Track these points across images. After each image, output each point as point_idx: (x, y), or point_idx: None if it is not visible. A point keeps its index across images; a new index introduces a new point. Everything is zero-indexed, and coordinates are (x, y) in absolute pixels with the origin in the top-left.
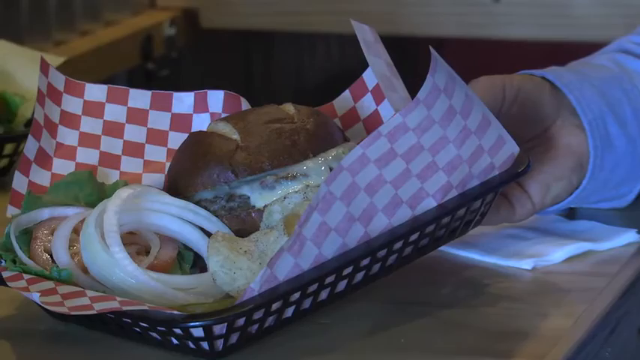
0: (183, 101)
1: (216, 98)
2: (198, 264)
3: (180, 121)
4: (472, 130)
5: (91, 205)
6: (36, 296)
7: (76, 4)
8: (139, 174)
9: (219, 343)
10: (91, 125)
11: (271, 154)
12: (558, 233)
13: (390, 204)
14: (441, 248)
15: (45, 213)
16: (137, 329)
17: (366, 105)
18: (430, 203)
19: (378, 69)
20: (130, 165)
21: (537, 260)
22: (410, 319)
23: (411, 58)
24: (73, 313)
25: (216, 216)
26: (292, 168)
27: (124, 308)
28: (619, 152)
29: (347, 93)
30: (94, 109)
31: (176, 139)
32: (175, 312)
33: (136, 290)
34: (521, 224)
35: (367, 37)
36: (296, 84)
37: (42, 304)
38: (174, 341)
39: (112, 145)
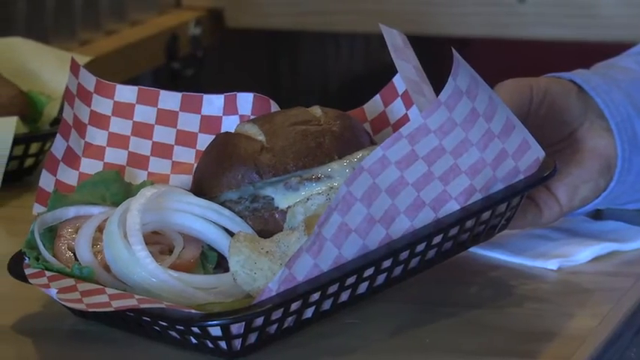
0: (213, 103)
1: (245, 100)
2: (222, 264)
3: (209, 123)
4: (496, 133)
5: (118, 204)
6: (53, 292)
7: (102, 4)
8: (166, 175)
9: (237, 343)
10: (120, 126)
11: (296, 156)
12: (584, 233)
13: (412, 206)
14: (469, 249)
15: (70, 211)
16: (157, 328)
17: (396, 109)
18: (453, 206)
19: (407, 73)
20: (158, 166)
21: (563, 261)
22: (434, 320)
23: (435, 58)
24: (90, 310)
25: (240, 217)
26: (317, 170)
27: (142, 306)
28: None
29: (377, 97)
30: (124, 110)
31: (205, 141)
32: (193, 311)
33: (156, 289)
34: (545, 225)
35: (396, 42)
36: (321, 83)
37: (59, 301)
38: (193, 340)
39: (140, 145)
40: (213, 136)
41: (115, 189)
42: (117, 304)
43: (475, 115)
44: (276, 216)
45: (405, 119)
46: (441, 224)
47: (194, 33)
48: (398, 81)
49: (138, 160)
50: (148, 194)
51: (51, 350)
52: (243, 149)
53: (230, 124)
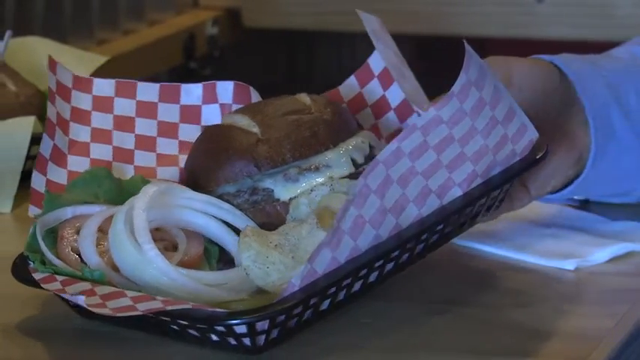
0: (191, 93)
1: (225, 89)
2: (222, 258)
3: (189, 113)
4: (499, 120)
5: (111, 201)
6: (81, 299)
7: (120, 4)
8: (153, 168)
9: (261, 339)
10: (101, 120)
11: (292, 146)
12: (601, 234)
13: (420, 194)
14: (483, 248)
15: (68, 212)
16: (174, 327)
17: (373, 90)
18: (456, 192)
19: (387, 57)
20: (144, 159)
21: (580, 261)
22: (449, 319)
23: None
24: (118, 314)
25: (240, 209)
26: (314, 159)
27: (168, 308)
28: (623, 144)
29: (353, 79)
30: (103, 104)
31: (187, 131)
32: (218, 310)
33: (169, 288)
34: (563, 224)
35: (375, 27)
36: (337, 83)
37: (88, 307)
38: (214, 338)
39: (124, 139)
40: (195, 126)
41: (106, 186)
42: (143, 307)
43: (482, 103)
44: (278, 208)
45: (382, 100)
46: (446, 211)
47: (211, 32)
48: (373, 62)
49: (123, 155)
50: (151, 192)
51: (58, 350)
52: (239, 142)
53: (210, 112)
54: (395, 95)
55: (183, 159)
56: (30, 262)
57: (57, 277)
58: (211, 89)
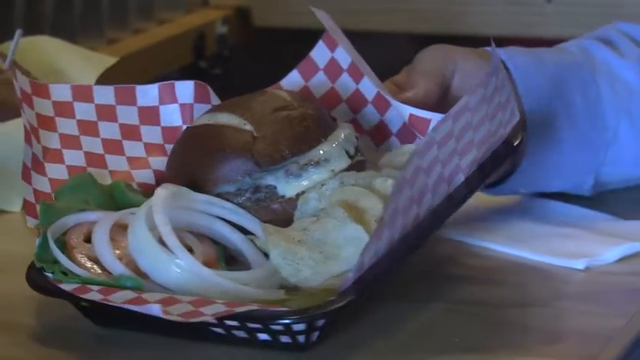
0: (147, 93)
1: (185, 88)
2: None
3: (147, 114)
4: (502, 104)
5: (101, 207)
6: (156, 309)
7: (129, 3)
8: (127, 172)
9: (314, 335)
10: (66, 126)
11: (289, 142)
12: (610, 233)
13: (436, 182)
14: (493, 247)
15: (71, 220)
16: (218, 329)
17: (345, 85)
18: (460, 178)
19: (352, 52)
20: (116, 163)
21: (590, 260)
22: (461, 319)
23: None
24: (191, 320)
25: (242, 208)
26: (311, 154)
27: (237, 310)
28: (564, 139)
29: (295, 73)
30: (64, 110)
31: (149, 133)
32: (281, 308)
33: (206, 291)
34: (573, 224)
35: (330, 24)
36: None
37: (164, 316)
38: (262, 337)
39: (92, 144)
40: (155, 127)
41: (94, 192)
42: (211, 311)
43: (495, 90)
44: (284, 205)
45: (357, 94)
46: (453, 200)
47: (221, 32)
48: (317, 56)
49: (95, 160)
50: (163, 195)
51: (78, 356)
52: (234, 140)
53: (169, 113)
54: (368, 88)
55: (153, 161)
56: (48, 273)
57: (91, 287)
58: (169, 89)
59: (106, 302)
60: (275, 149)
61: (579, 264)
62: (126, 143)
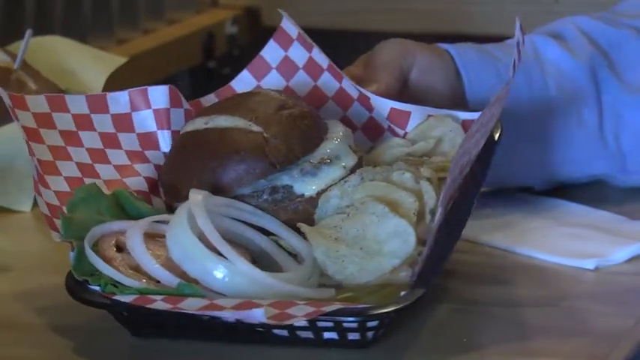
0: (118, 101)
1: (159, 93)
2: None
3: (121, 122)
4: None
5: (115, 217)
6: (259, 313)
7: (139, 3)
8: (119, 180)
9: (380, 332)
10: (50, 137)
11: (298, 141)
12: (620, 233)
13: (457, 173)
14: (504, 247)
15: (98, 232)
16: (280, 332)
17: (328, 83)
18: (466, 169)
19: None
20: (106, 172)
21: (600, 260)
22: (471, 319)
23: None
24: (284, 322)
25: (260, 209)
26: (319, 152)
27: (327, 309)
28: (511, 137)
29: (246, 73)
30: (44, 121)
31: (126, 141)
32: (361, 305)
33: (260, 294)
34: (583, 224)
35: (298, 29)
36: None
37: (268, 321)
38: (327, 336)
39: (79, 154)
40: (130, 134)
41: (104, 202)
42: (300, 312)
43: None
44: (304, 204)
45: (341, 92)
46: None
47: (231, 32)
48: (267, 54)
49: (88, 170)
50: (200, 200)
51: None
52: (246, 142)
53: (142, 120)
54: (350, 87)
55: (140, 168)
56: (94, 286)
57: (154, 297)
58: (140, 95)
59: (177, 311)
60: (288, 149)
61: (589, 264)
62: (109, 152)
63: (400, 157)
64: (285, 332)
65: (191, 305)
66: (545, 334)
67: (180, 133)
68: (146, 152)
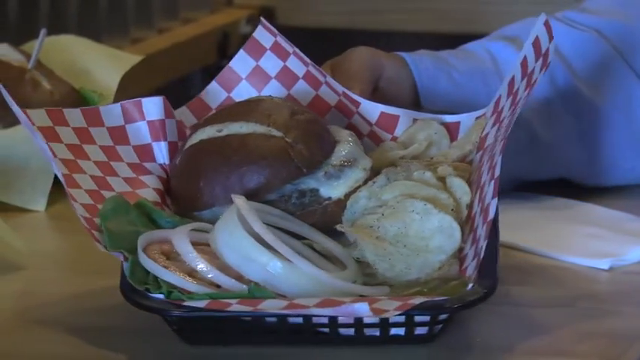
0: (112, 113)
1: (154, 105)
2: None
3: (116, 134)
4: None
5: (146, 226)
6: (365, 308)
7: (154, 2)
8: (132, 192)
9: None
10: (60, 151)
11: (318, 145)
12: (634, 233)
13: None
14: (519, 247)
15: (144, 241)
16: (346, 331)
17: (327, 93)
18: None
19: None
20: (118, 185)
21: (614, 260)
22: (485, 318)
23: None
24: (383, 316)
25: (289, 214)
26: (337, 155)
27: (417, 302)
28: None
29: (215, 84)
30: (50, 135)
31: (125, 153)
32: (441, 298)
33: (324, 293)
34: (597, 224)
35: (263, 36)
36: None
37: (377, 315)
38: (393, 332)
39: (90, 167)
40: (126, 147)
41: (133, 213)
42: (390, 307)
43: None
44: (332, 206)
45: (342, 102)
46: None
47: (245, 31)
48: (236, 65)
49: (102, 183)
50: (247, 205)
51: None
52: (271, 147)
53: (135, 131)
54: (328, 94)
55: (146, 180)
56: (156, 294)
57: (229, 301)
58: (134, 107)
59: (258, 313)
60: (311, 152)
61: (603, 264)
62: (114, 165)
63: (395, 160)
64: (351, 331)
65: (272, 306)
66: (560, 334)
67: (190, 143)
68: (145, 164)
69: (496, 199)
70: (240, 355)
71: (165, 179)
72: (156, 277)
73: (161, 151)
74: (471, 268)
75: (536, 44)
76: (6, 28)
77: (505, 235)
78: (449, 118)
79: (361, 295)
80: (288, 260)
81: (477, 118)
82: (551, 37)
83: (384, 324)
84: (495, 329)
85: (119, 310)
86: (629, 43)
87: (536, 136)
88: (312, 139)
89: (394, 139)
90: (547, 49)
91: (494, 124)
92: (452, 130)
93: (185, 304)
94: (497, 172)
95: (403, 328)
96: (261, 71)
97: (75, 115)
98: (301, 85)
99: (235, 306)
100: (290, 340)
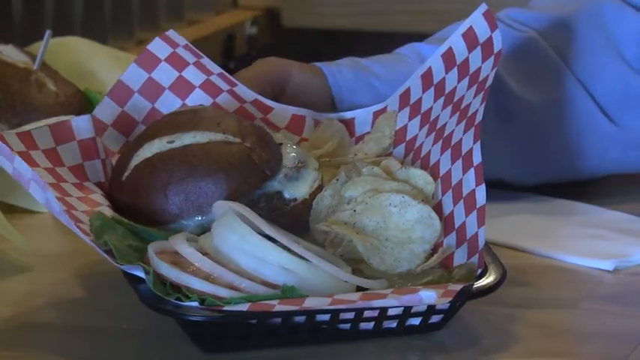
0: (42, 135)
1: (82, 124)
2: None
3: (51, 156)
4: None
5: (135, 241)
6: (431, 296)
7: (159, 4)
8: (92, 210)
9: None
10: (43, 174)
11: (272, 148)
12: (638, 234)
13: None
14: (522, 248)
15: (152, 252)
16: (365, 324)
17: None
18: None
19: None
20: (77, 204)
21: (619, 261)
22: (490, 320)
23: None
24: (451, 300)
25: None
26: (288, 157)
27: (456, 288)
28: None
29: (107, 100)
30: (28, 159)
31: (65, 175)
32: (464, 284)
33: (339, 290)
34: (601, 225)
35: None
36: None
37: (445, 297)
38: (409, 322)
39: (71, 189)
40: (63, 168)
41: (120, 229)
42: (437, 295)
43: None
44: (300, 207)
45: (258, 103)
46: None
47: (250, 32)
48: (127, 78)
49: (90, 203)
50: (245, 209)
51: None
52: (233, 153)
53: (67, 151)
54: (227, 102)
55: (96, 198)
56: (188, 302)
57: (271, 302)
58: (63, 128)
59: (306, 312)
60: (270, 156)
61: (608, 265)
62: (63, 185)
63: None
64: (370, 325)
65: (318, 304)
66: (564, 335)
67: (141, 157)
68: (84, 184)
69: (483, 187)
70: (262, 357)
71: (108, 197)
72: (172, 285)
73: (94, 170)
74: (459, 255)
75: (468, 35)
76: (11, 30)
77: (509, 236)
78: (345, 115)
79: (360, 289)
80: (306, 260)
81: (374, 112)
82: (493, 27)
83: (407, 314)
84: (497, 330)
85: (125, 311)
86: (568, 41)
87: None
88: (267, 144)
89: (304, 139)
90: (489, 38)
91: (412, 117)
92: (349, 126)
93: (225, 309)
94: (476, 160)
95: (419, 318)
96: (154, 83)
97: (44, 135)
98: (197, 94)
99: (279, 307)
100: (312, 340)
